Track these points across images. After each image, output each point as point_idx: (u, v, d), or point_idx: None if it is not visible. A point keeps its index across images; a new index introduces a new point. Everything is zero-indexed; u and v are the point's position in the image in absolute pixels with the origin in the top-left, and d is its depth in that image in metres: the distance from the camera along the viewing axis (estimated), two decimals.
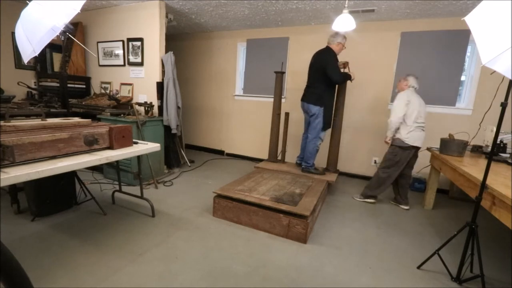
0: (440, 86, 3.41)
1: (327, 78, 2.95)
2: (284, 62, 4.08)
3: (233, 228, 2.25)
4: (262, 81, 4.41)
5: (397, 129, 2.75)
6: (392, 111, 2.73)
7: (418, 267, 1.84)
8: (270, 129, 3.80)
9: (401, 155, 2.73)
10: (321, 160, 3.97)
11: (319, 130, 3.11)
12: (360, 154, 3.99)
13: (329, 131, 3.50)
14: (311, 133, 3.15)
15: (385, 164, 2.84)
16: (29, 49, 1.79)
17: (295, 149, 4.17)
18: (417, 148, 2.74)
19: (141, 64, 3.63)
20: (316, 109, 3.02)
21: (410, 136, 2.67)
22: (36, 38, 1.78)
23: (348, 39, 3.67)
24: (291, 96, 4.24)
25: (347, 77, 3.06)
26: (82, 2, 1.75)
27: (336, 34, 2.98)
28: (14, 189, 2.24)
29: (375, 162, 3.89)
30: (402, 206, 2.94)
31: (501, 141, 2.54)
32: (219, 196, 2.43)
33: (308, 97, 3.12)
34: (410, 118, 2.66)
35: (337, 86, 3.22)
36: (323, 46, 3.12)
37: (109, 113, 3.12)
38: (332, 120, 3.16)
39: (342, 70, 3.10)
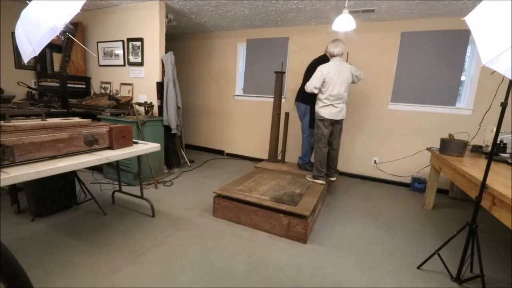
0: (440, 86, 3.41)
1: None
2: (284, 62, 4.09)
3: (233, 228, 2.25)
4: (262, 81, 4.41)
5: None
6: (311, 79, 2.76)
7: (418, 267, 1.85)
8: (270, 129, 3.80)
9: (321, 126, 2.80)
10: None
11: (308, 128, 3.24)
12: (360, 154, 3.98)
13: None
14: (303, 131, 3.34)
15: (314, 139, 2.91)
16: (29, 49, 1.80)
17: (295, 149, 4.18)
18: (335, 121, 2.80)
19: (141, 64, 3.63)
20: (303, 107, 3.21)
21: (322, 111, 2.76)
22: (36, 38, 1.78)
23: (348, 39, 3.68)
24: (291, 96, 4.23)
25: None
26: (82, 2, 1.75)
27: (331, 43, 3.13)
28: (14, 189, 2.24)
29: (375, 162, 3.89)
30: (331, 178, 3.02)
31: (501, 141, 2.54)
32: (219, 196, 2.43)
33: (299, 96, 3.30)
34: (324, 93, 2.73)
35: None
36: (323, 46, 3.19)
37: (109, 113, 3.12)
38: None
39: None
